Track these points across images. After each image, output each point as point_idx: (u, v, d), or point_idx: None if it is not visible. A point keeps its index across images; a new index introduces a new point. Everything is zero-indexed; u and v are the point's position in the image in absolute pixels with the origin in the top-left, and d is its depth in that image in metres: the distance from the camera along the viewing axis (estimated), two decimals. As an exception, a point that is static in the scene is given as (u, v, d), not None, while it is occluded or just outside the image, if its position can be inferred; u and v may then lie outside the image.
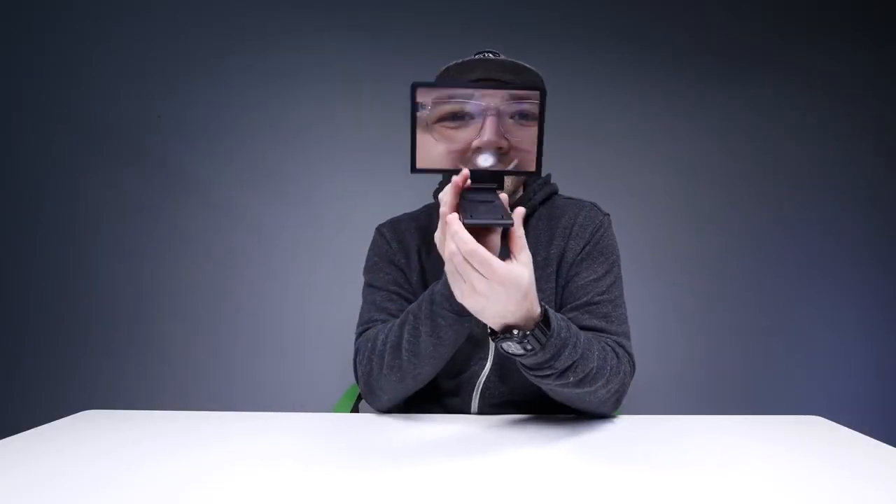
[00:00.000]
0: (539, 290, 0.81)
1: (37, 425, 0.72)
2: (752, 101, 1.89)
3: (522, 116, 0.59)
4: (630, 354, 0.78)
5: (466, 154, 0.60)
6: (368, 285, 0.89)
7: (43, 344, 1.79)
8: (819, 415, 0.79)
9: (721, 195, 1.89)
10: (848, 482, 0.54)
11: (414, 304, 0.74)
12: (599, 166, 1.85)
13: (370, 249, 0.93)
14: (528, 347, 0.62)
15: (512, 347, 0.62)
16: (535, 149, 0.61)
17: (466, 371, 0.87)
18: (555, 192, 0.95)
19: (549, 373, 0.66)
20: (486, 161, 0.61)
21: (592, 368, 0.68)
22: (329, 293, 1.81)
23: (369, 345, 0.78)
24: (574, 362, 0.66)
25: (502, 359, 0.84)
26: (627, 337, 0.81)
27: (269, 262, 1.82)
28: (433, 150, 0.59)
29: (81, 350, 1.79)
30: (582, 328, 0.75)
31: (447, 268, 0.57)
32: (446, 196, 0.57)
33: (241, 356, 1.81)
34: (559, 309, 0.83)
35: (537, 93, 0.59)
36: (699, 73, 1.88)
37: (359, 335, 0.84)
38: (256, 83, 1.83)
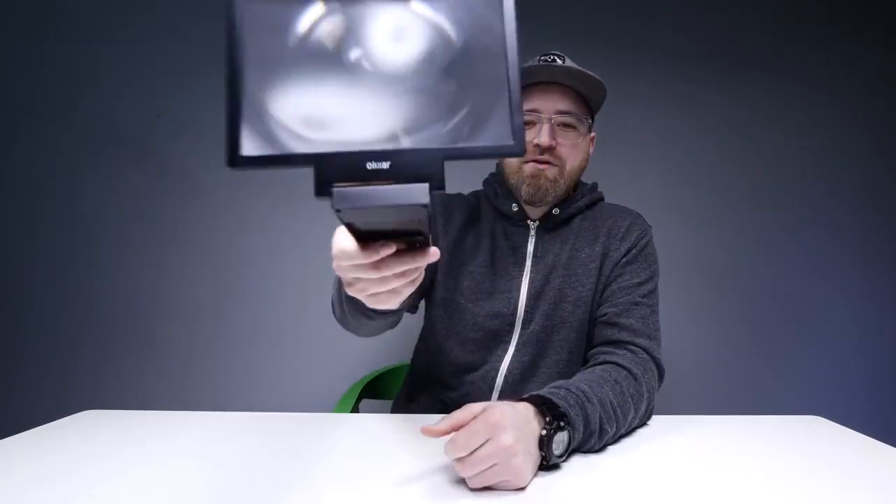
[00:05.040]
0: (580, 284, 0.82)
1: (37, 425, 0.72)
2: (752, 102, 1.89)
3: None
4: (656, 360, 0.76)
5: None
6: None
7: (43, 344, 1.79)
8: (819, 415, 0.79)
9: (720, 197, 1.89)
10: (848, 482, 0.54)
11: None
12: (597, 169, 1.84)
13: None
14: (562, 424, 0.56)
15: (560, 447, 0.56)
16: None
17: (478, 369, 0.81)
18: (601, 199, 0.96)
19: (591, 441, 0.61)
20: None
21: (616, 406, 0.65)
22: (330, 293, 1.80)
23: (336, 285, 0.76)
24: (599, 416, 0.62)
25: (527, 347, 0.80)
26: (658, 344, 0.79)
27: (270, 261, 1.82)
28: None
29: (81, 350, 1.78)
30: (618, 326, 0.77)
31: None
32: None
33: (241, 356, 1.80)
34: (596, 308, 0.82)
35: None
36: (697, 75, 1.88)
37: None
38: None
